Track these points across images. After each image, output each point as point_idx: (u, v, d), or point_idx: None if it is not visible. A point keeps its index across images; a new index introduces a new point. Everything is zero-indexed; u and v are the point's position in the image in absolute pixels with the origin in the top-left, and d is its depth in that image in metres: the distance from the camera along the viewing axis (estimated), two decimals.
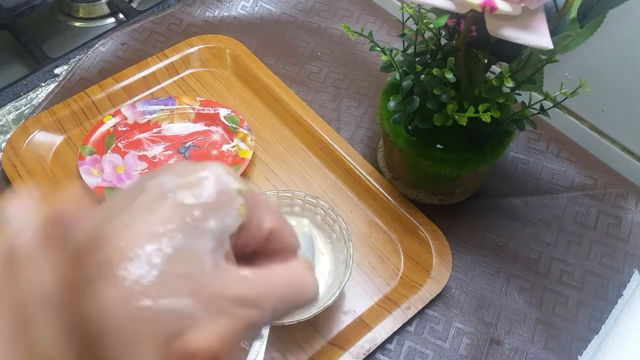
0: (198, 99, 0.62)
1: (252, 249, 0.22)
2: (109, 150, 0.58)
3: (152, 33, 0.68)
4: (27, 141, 0.57)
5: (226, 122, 0.60)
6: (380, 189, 0.55)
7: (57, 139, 0.59)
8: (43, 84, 0.65)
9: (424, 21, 0.43)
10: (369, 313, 0.49)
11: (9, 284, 0.19)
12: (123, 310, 0.17)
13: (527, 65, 0.45)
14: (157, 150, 0.58)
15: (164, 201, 0.19)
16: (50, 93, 0.62)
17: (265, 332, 0.42)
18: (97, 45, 0.66)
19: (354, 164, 0.57)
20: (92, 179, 0.55)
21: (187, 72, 0.65)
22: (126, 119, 0.59)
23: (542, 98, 0.46)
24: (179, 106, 0.61)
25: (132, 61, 0.65)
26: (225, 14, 0.71)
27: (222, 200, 0.20)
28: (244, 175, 0.57)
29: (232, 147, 0.58)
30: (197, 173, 0.20)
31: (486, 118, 0.43)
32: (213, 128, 0.60)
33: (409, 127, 0.51)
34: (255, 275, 0.20)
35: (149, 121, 0.60)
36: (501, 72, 0.43)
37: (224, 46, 0.66)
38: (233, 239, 0.20)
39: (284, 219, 0.23)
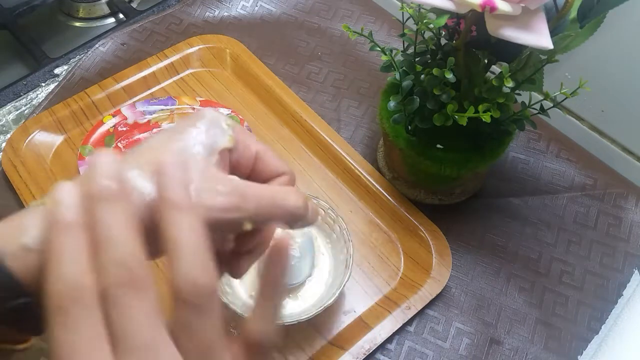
0: (198, 99, 0.62)
1: (246, 172, 0.30)
2: None
3: (152, 33, 0.68)
4: (27, 141, 0.57)
5: None
6: (380, 189, 0.55)
7: (57, 139, 0.59)
8: (43, 84, 0.65)
9: (424, 21, 0.43)
10: (369, 313, 0.49)
11: None
12: None
13: (527, 65, 0.45)
14: None
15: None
16: (50, 93, 0.62)
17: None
18: (97, 45, 0.66)
19: (354, 164, 0.57)
20: None
21: (187, 72, 0.65)
22: (126, 119, 0.59)
23: (542, 98, 0.46)
24: (179, 106, 0.61)
25: (132, 61, 0.65)
26: (225, 14, 0.71)
27: (215, 130, 0.28)
28: None
29: None
30: (198, 118, 0.29)
31: (486, 118, 0.43)
32: None
33: (409, 127, 0.51)
34: (241, 180, 0.27)
35: (149, 121, 0.60)
36: (501, 72, 0.43)
37: (224, 46, 0.66)
38: (227, 156, 0.28)
39: (267, 147, 0.30)
